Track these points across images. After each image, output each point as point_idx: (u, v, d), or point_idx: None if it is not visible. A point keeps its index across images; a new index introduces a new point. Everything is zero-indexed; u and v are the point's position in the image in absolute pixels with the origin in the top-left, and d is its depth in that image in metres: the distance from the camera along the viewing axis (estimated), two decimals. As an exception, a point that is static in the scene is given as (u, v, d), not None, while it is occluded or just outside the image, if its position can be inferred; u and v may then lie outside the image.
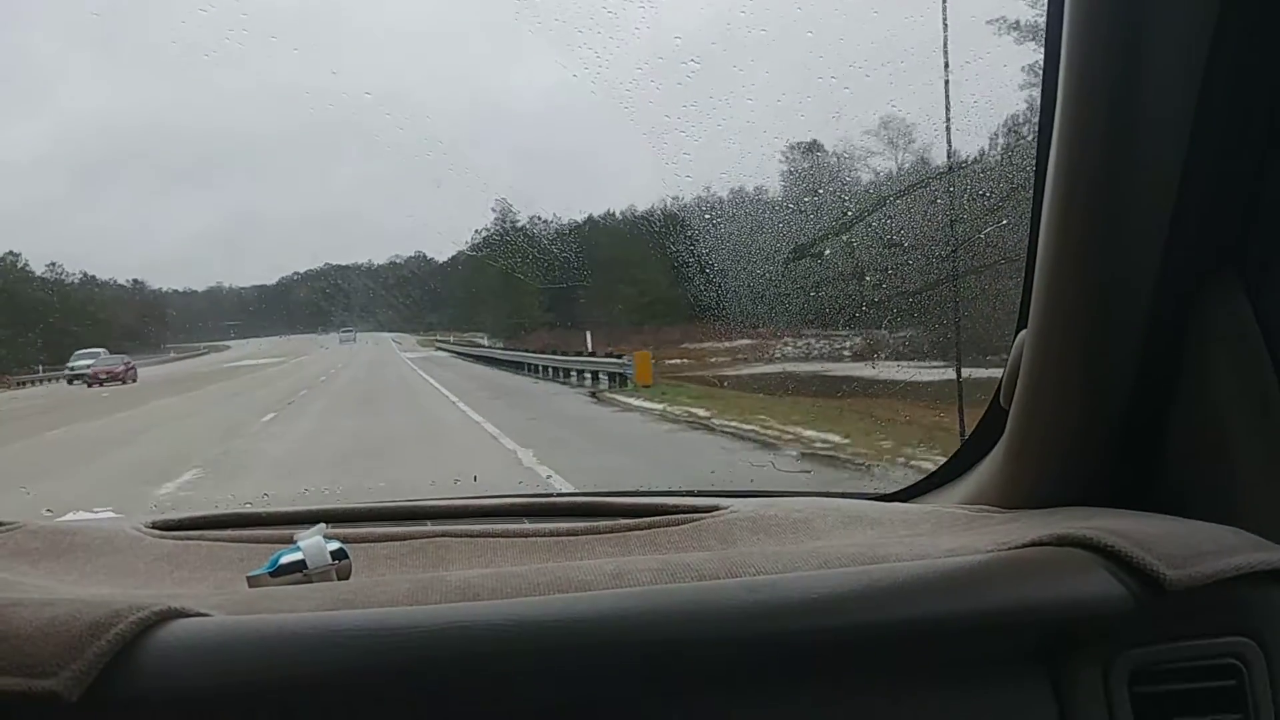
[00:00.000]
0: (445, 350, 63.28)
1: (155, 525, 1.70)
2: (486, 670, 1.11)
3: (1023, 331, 1.64)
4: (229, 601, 1.19)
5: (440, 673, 1.10)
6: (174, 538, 1.62)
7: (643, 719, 1.18)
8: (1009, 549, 1.34)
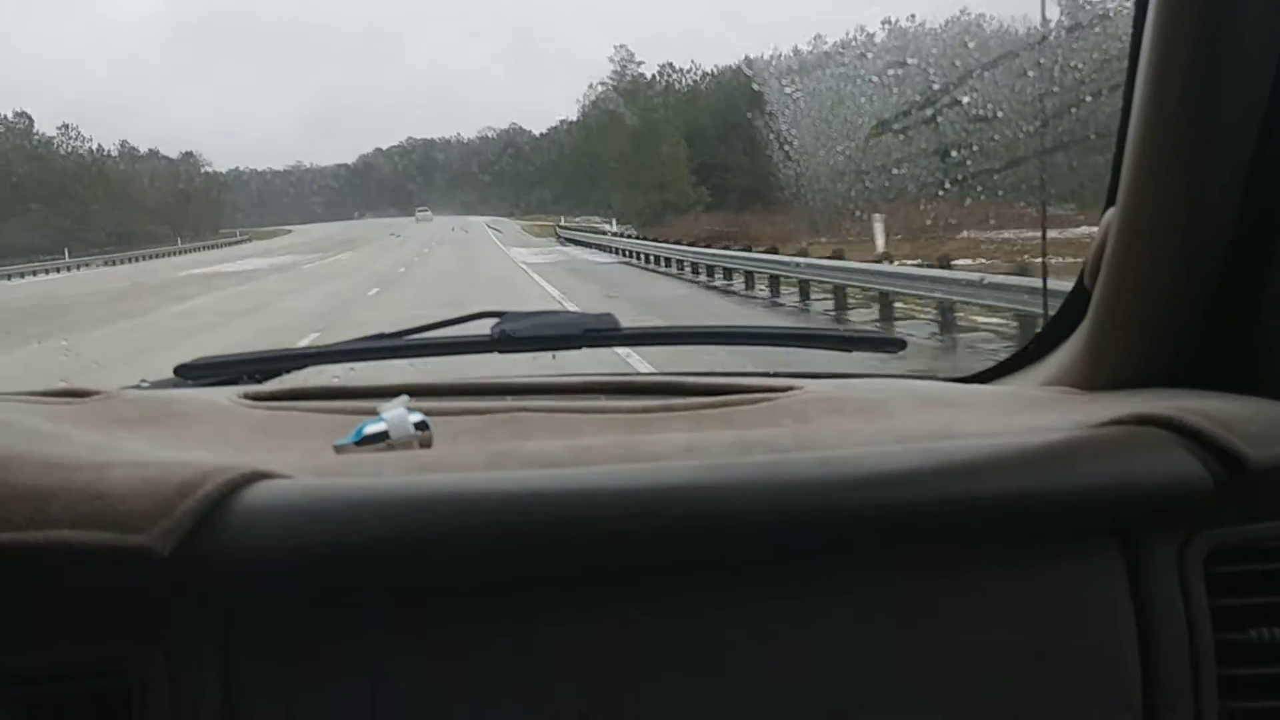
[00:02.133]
0: (574, 240, 46.06)
1: (247, 395, 1.73)
2: (559, 534, 1.11)
3: (1110, 209, 1.59)
4: (315, 467, 1.22)
5: (515, 536, 1.11)
6: (265, 407, 1.65)
7: (712, 587, 1.18)
8: (1087, 428, 1.30)
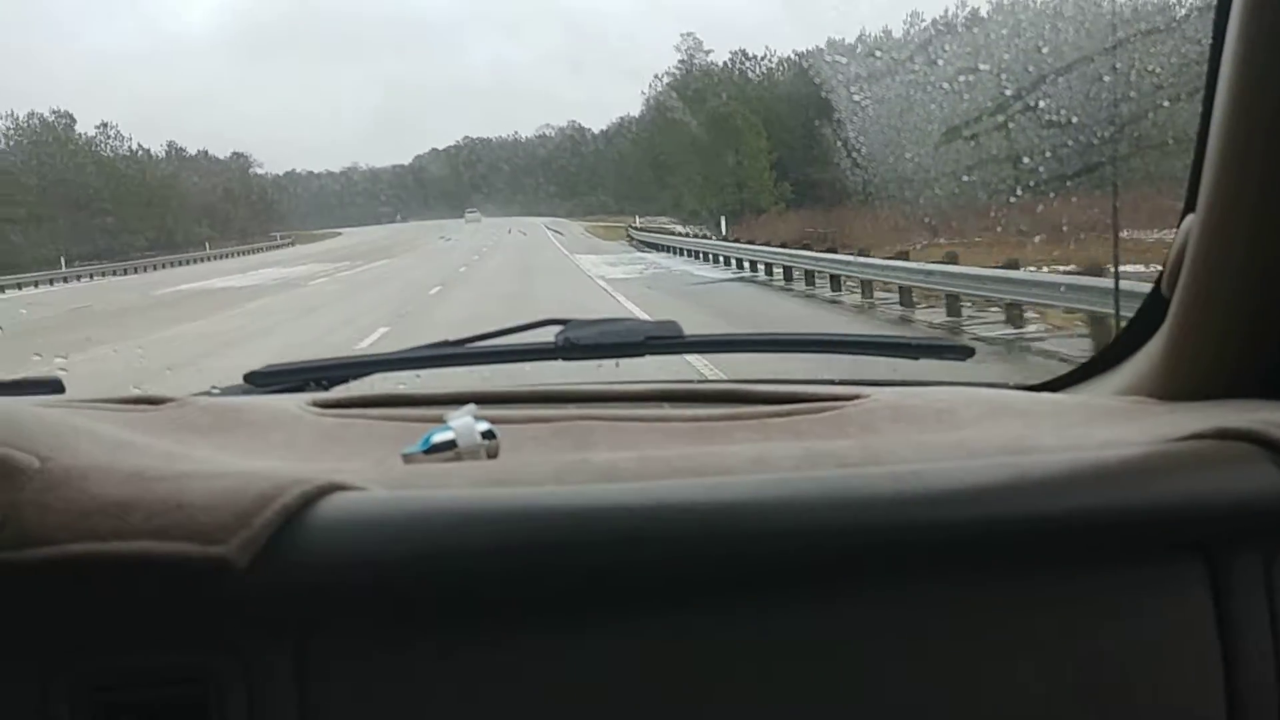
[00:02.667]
0: (651, 244, 39.00)
1: (316, 403, 1.74)
2: (627, 550, 1.11)
3: (1189, 216, 1.55)
4: (386, 477, 1.23)
5: (584, 551, 1.11)
6: (333, 415, 1.66)
7: (778, 604, 1.17)
8: (1167, 442, 1.27)
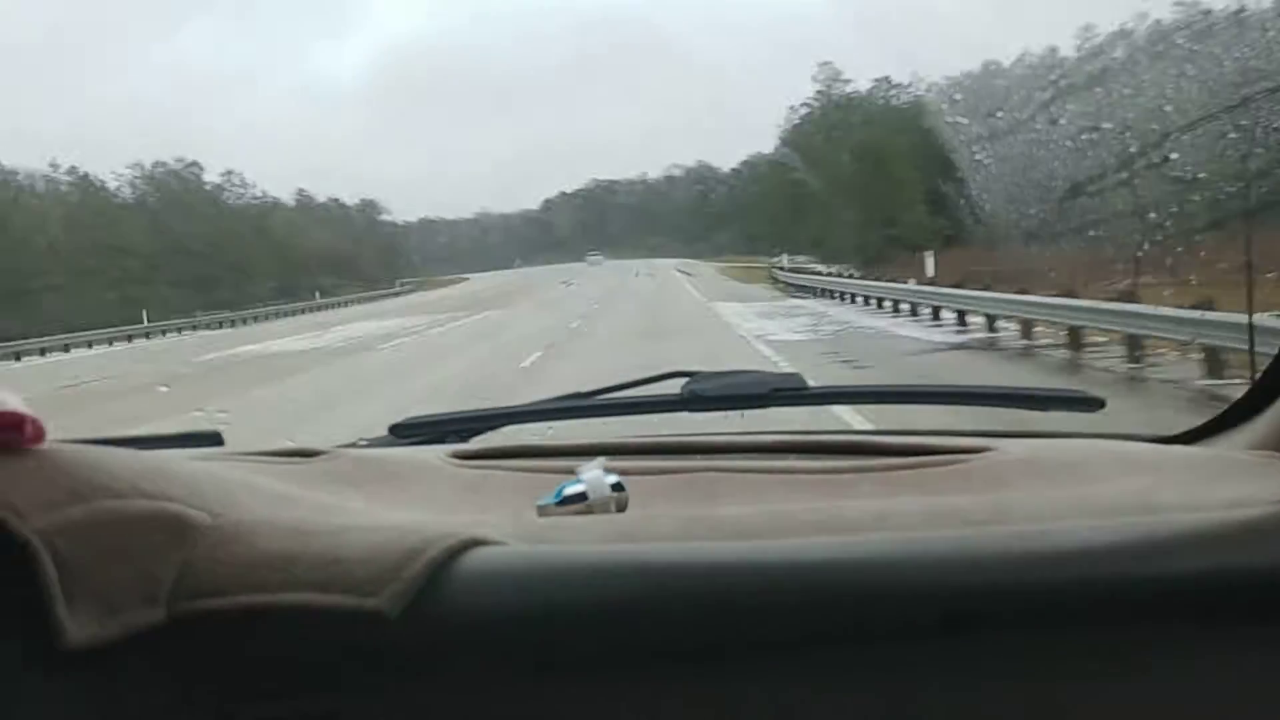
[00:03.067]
0: (806, 288, 31.43)
1: (455, 454, 1.79)
2: (754, 607, 1.14)
3: None
4: (522, 531, 1.26)
5: (713, 608, 1.13)
6: (471, 466, 1.71)
7: (904, 664, 1.18)
8: None
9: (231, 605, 1.08)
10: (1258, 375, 1.80)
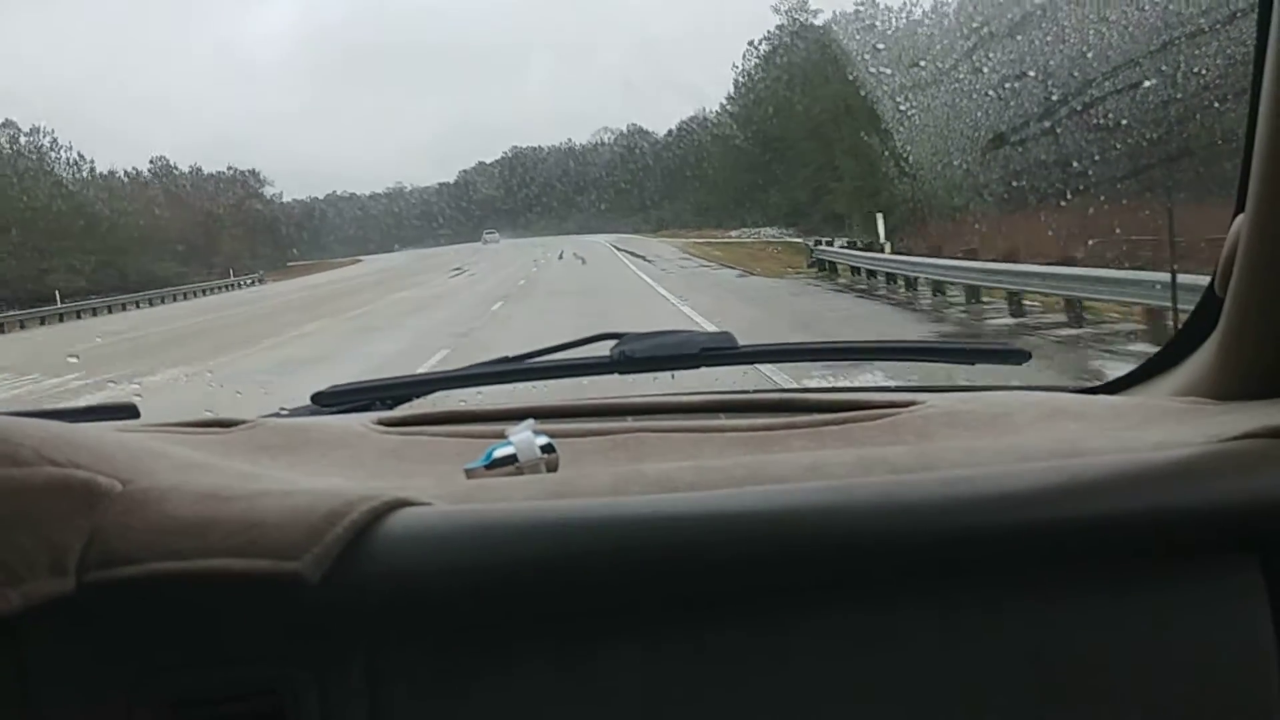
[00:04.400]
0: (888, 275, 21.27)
1: (380, 422, 1.77)
2: (685, 559, 1.13)
3: (1240, 215, 1.55)
4: (449, 492, 1.25)
5: (643, 561, 1.13)
6: (397, 433, 1.70)
7: (835, 609, 1.18)
8: (1221, 441, 1.26)
9: (144, 573, 1.05)
10: (1180, 326, 1.83)
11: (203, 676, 1.13)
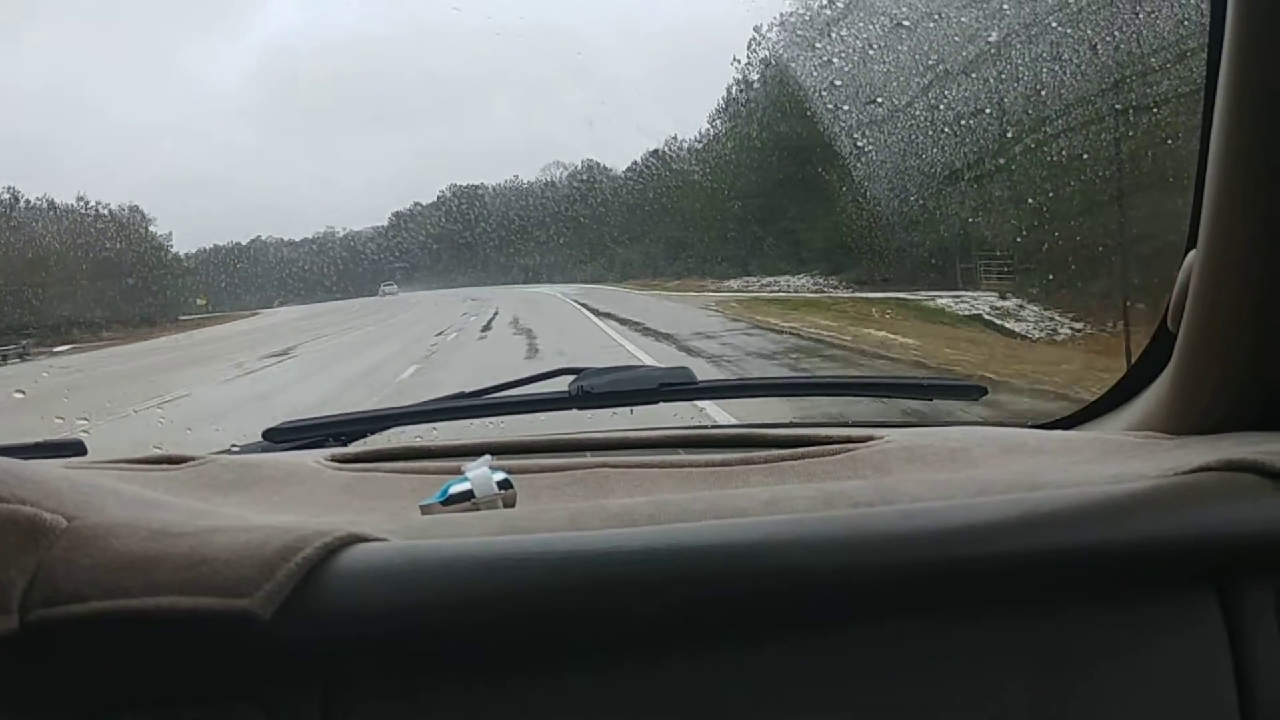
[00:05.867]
0: None
1: (334, 458, 1.76)
2: (645, 593, 1.12)
3: (1192, 251, 1.57)
4: (404, 528, 1.24)
5: (601, 595, 1.12)
6: (351, 469, 1.68)
7: (798, 643, 1.17)
8: (1175, 474, 1.27)
9: (90, 611, 1.03)
10: (1133, 361, 1.85)
11: (153, 715, 1.10)
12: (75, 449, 1.91)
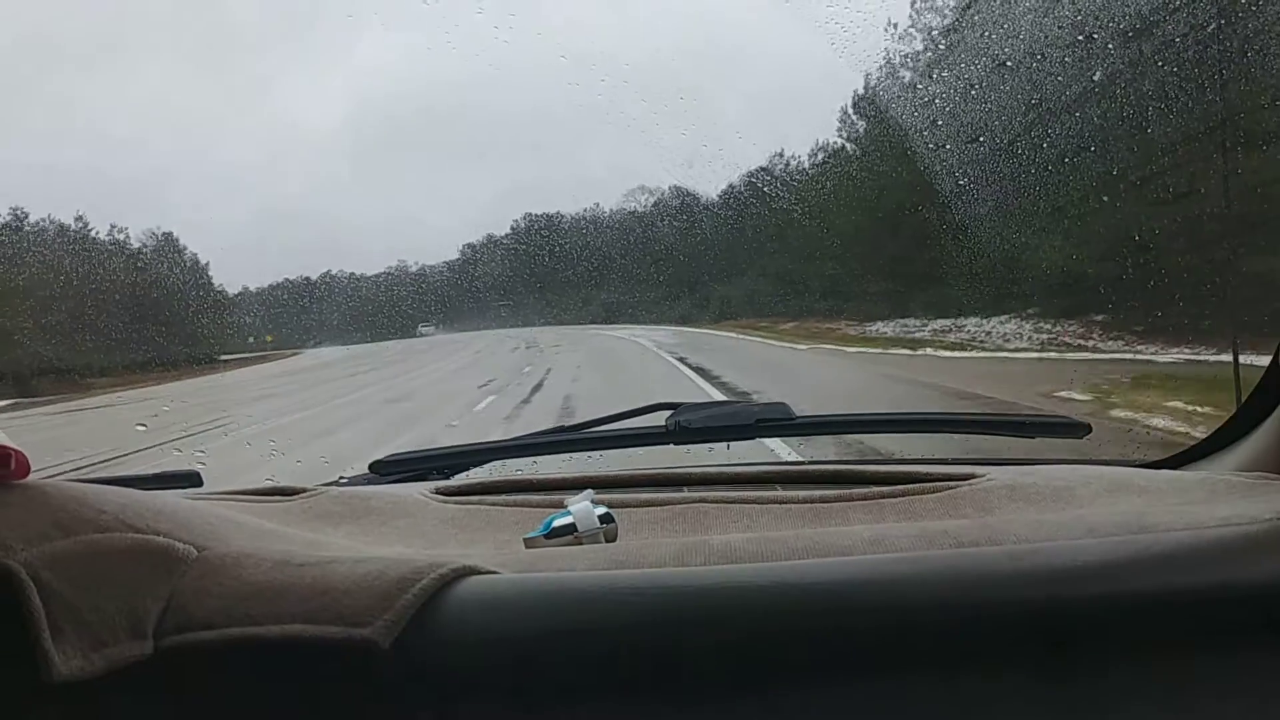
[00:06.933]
0: None
1: (439, 491, 1.78)
2: (752, 629, 1.13)
3: None
4: (512, 561, 1.25)
5: (710, 630, 1.12)
6: (456, 502, 1.70)
7: (901, 682, 1.17)
8: None
9: (219, 638, 1.06)
10: (1243, 400, 1.81)
11: None
12: (192, 480, 1.95)
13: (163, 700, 1.11)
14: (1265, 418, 1.70)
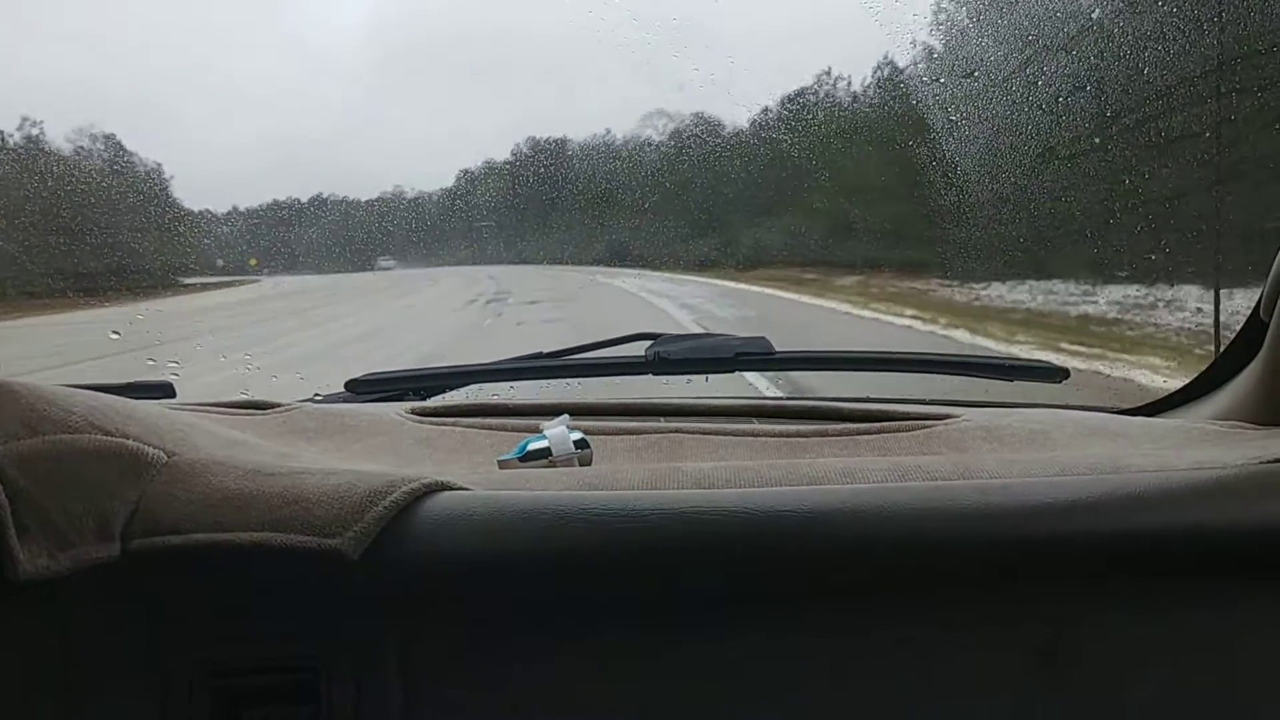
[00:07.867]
0: None
1: (414, 411, 1.79)
2: (722, 553, 1.14)
3: None
4: (485, 480, 1.26)
5: (679, 553, 1.13)
6: (431, 423, 1.72)
7: (869, 611, 1.20)
8: (1259, 463, 1.27)
9: (187, 543, 1.08)
10: (1222, 349, 1.84)
11: (239, 647, 1.16)
12: (165, 391, 1.97)
13: (128, 602, 1.12)
14: (1243, 367, 1.72)
